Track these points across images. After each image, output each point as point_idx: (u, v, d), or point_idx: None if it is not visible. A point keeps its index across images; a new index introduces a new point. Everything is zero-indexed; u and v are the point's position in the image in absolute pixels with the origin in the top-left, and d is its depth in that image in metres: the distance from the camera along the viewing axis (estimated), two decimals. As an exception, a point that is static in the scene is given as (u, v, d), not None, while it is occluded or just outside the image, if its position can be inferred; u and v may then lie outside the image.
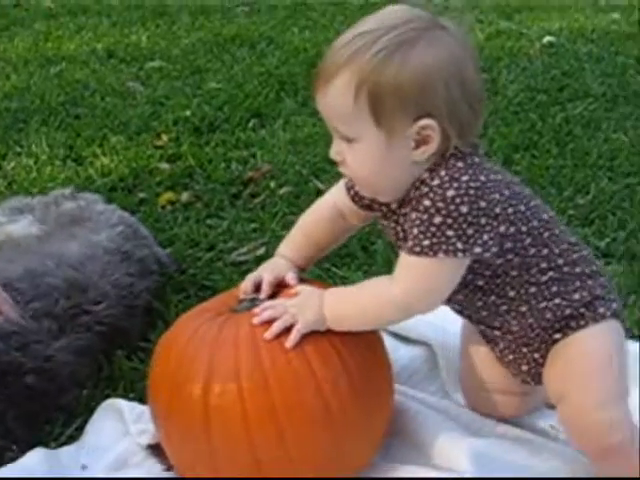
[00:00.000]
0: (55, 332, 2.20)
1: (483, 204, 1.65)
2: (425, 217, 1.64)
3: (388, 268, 2.48)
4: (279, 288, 1.88)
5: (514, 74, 4.59)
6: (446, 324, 2.22)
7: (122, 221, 2.65)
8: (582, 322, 1.78)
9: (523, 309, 1.79)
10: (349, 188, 1.89)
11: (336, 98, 1.66)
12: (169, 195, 3.25)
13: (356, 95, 1.63)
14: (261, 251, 2.80)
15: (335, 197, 1.94)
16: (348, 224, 1.96)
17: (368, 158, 1.68)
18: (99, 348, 2.27)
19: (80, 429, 2.07)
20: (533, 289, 1.78)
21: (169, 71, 4.76)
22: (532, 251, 1.75)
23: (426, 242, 1.65)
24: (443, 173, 1.66)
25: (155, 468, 1.92)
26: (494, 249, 1.69)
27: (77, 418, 2.10)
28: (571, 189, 3.22)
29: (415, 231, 1.66)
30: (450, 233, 1.63)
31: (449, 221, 1.63)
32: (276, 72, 4.62)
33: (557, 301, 1.78)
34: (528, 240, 1.74)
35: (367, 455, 1.86)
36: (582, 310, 1.78)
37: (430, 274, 1.68)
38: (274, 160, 3.53)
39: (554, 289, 1.78)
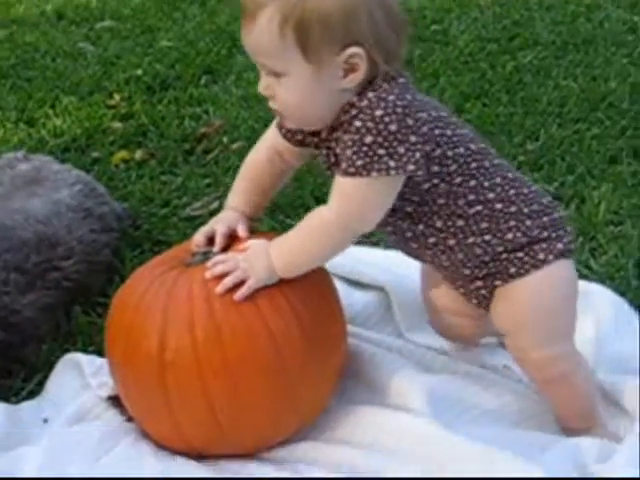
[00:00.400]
0: (23, 287, 2.23)
1: (410, 122, 1.67)
2: (357, 137, 1.66)
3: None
4: (232, 240, 1.90)
5: (465, 24, 4.60)
6: (398, 268, 2.27)
7: (79, 179, 2.67)
8: (522, 270, 1.81)
9: (451, 242, 1.81)
10: (280, 127, 1.90)
11: (261, 35, 1.67)
12: (123, 154, 3.25)
13: (281, 30, 1.64)
14: (215, 205, 2.82)
15: (270, 139, 1.96)
16: (286, 164, 1.97)
17: (298, 91, 1.69)
18: (63, 304, 2.30)
19: (40, 384, 2.10)
20: (460, 222, 1.79)
21: (120, 31, 4.72)
22: (458, 179, 1.77)
23: (359, 162, 1.66)
24: (371, 94, 1.68)
25: (115, 419, 1.95)
26: (424, 169, 1.72)
27: (37, 373, 2.12)
28: (521, 136, 3.26)
29: (348, 152, 1.68)
30: (382, 152, 1.65)
31: (379, 140, 1.65)
32: (228, 28, 4.60)
33: (487, 238, 1.80)
34: (454, 167, 1.76)
35: (322, 400, 1.89)
36: (520, 255, 1.80)
37: (365, 193, 1.70)
38: (227, 116, 3.54)
39: (483, 225, 1.79)
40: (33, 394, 2.08)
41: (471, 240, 1.80)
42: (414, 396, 1.87)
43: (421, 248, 1.85)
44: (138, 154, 3.25)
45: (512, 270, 1.81)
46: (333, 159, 1.78)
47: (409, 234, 1.83)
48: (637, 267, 2.47)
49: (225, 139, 3.34)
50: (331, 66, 1.67)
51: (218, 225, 1.92)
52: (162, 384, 1.76)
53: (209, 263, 1.81)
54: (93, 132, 3.45)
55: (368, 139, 1.65)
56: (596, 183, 2.91)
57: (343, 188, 1.71)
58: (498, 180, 1.80)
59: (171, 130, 3.44)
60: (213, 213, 2.71)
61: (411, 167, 1.67)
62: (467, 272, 1.85)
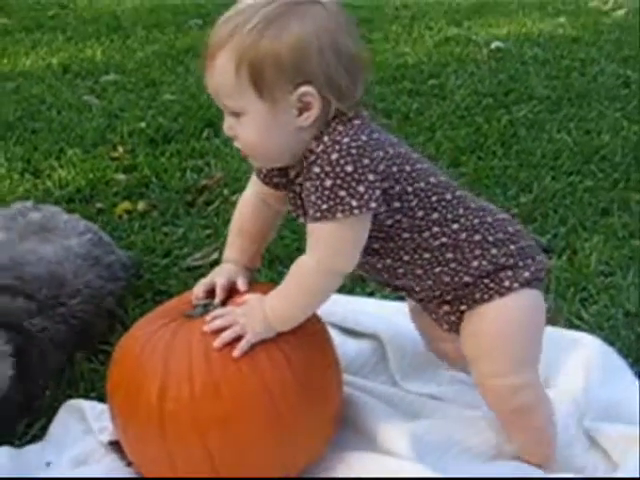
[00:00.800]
0: (34, 312, 2.32)
1: (366, 161, 1.70)
2: (317, 183, 1.70)
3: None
4: (232, 293, 1.93)
5: (462, 79, 4.70)
6: (392, 317, 2.33)
7: (88, 229, 2.74)
8: (486, 296, 1.85)
9: (419, 272, 1.86)
10: (258, 172, 1.95)
11: (219, 75, 1.72)
12: (126, 205, 3.32)
13: (237, 71, 1.69)
14: (215, 256, 2.87)
15: (253, 189, 2.02)
16: (272, 209, 2.02)
17: (255, 129, 1.73)
18: (68, 343, 2.36)
19: (44, 429, 2.14)
20: (426, 254, 1.83)
21: (124, 84, 4.83)
22: (420, 213, 1.80)
23: (324, 206, 1.70)
24: (326, 139, 1.72)
25: (115, 463, 1.98)
26: (385, 206, 1.76)
27: (40, 418, 2.17)
28: (515, 188, 3.33)
29: (312, 198, 1.72)
30: (342, 193, 1.69)
31: (338, 182, 1.69)
32: (229, 83, 4.68)
33: (452, 266, 1.84)
34: (415, 201, 1.79)
35: (318, 449, 1.93)
36: (486, 281, 1.85)
37: (335, 236, 1.73)
38: (227, 168, 3.61)
39: (449, 255, 1.83)
40: (36, 438, 2.12)
41: (438, 269, 1.85)
42: (400, 442, 1.92)
43: (392, 278, 1.90)
44: (141, 205, 3.31)
45: (477, 295, 1.86)
46: (299, 202, 1.83)
47: (379, 266, 1.88)
48: (626, 317, 2.52)
49: (226, 191, 3.41)
50: (285, 104, 1.71)
51: (218, 278, 1.95)
52: (161, 434, 1.80)
53: (208, 317, 1.84)
54: (97, 183, 3.52)
55: (328, 183, 1.69)
56: (588, 235, 2.97)
57: (316, 234, 1.75)
58: (461, 211, 1.83)
59: (173, 182, 3.51)
60: (213, 264, 2.78)
61: (373, 204, 1.71)
62: (437, 294, 1.89)
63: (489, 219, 1.86)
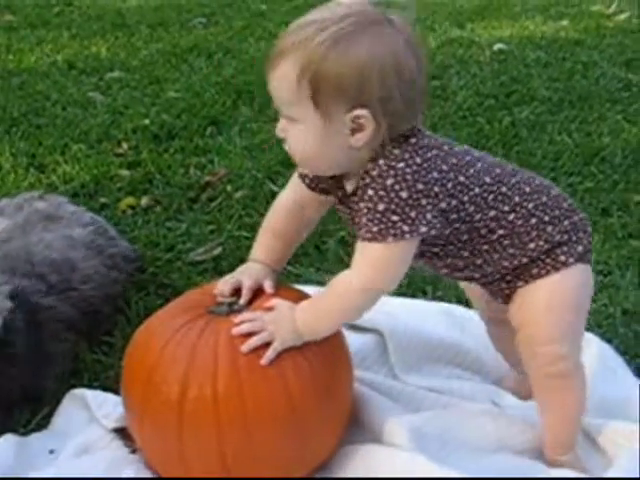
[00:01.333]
0: (44, 292, 2.36)
1: (421, 186, 1.74)
2: (371, 205, 1.74)
3: (339, 265, 2.62)
4: (256, 293, 1.95)
5: (464, 80, 4.72)
6: (395, 312, 2.36)
7: (93, 221, 2.77)
8: (543, 271, 1.89)
9: (479, 262, 1.90)
10: (303, 177, 1.97)
11: (281, 81, 1.75)
12: (129, 200, 3.34)
13: (299, 80, 1.71)
14: (217, 251, 2.91)
15: (292, 192, 2.03)
16: (308, 216, 2.04)
17: (306, 139, 1.76)
18: (79, 325, 2.40)
19: (47, 418, 2.17)
20: (485, 247, 1.88)
21: (128, 81, 4.84)
22: (477, 216, 1.84)
23: (375, 228, 1.74)
24: (381, 162, 1.75)
25: (120, 451, 2.01)
26: (439, 225, 1.78)
27: (44, 407, 2.19)
28: (515, 188, 3.34)
29: (364, 219, 1.75)
30: (395, 218, 1.73)
31: (392, 207, 1.72)
32: (233, 81, 4.72)
33: (511, 251, 1.88)
34: (472, 208, 1.83)
35: (329, 448, 1.95)
36: (543, 257, 1.88)
37: (383, 257, 1.77)
38: (230, 165, 3.63)
39: (506, 242, 1.87)
40: (40, 427, 2.14)
41: (496, 256, 1.89)
42: (399, 434, 1.94)
43: (453, 272, 1.95)
44: (144, 201, 3.34)
45: (534, 271, 1.89)
46: (356, 220, 1.83)
47: (440, 264, 1.93)
48: (625, 315, 2.55)
49: (229, 188, 3.43)
50: (339, 122, 1.73)
51: (244, 277, 1.96)
52: (178, 430, 1.81)
53: (237, 319, 1.85)
54: (101, 179, 3.54)
55: (381, 207, 1.73)
56: (587, 235, 2.99)
57: (364, 253, 1.79)
58: (517, 199, 1.86)
59: (176, 178, 3.53)
60: (216, 258, 2.83)
61: (423, 229, 1.75)
62: (497, 277, 1.93)
63: (544, 199, 1.89)
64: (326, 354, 1.89)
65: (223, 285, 1.96)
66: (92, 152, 3.83)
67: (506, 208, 1.86)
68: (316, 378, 1.85)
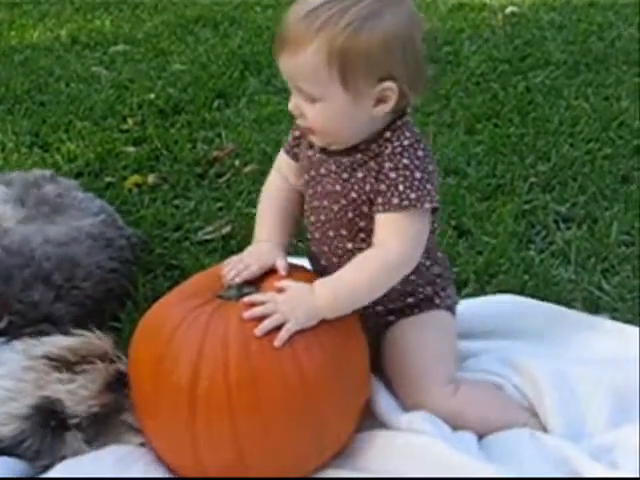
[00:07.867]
0: (52, 298, 2.27)
1: (432, 167, 1.85)
2: (407, 173, 1.81)
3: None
4: (266, 273, 1.90)
5: (476, 45, 4.62)
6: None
7: (103, 210, 2.70)
8: (416, 310, 2.02)
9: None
10: (288, 150, 2.06)
11: (307, 63, 1.76)
12: (136, 178, 3.27)
13: (328, 62, 1.74)
14: (227, 229, 2.84)
15: (276, 170, 2.09)
16: (293, 186, 2.07)
17: (332, 116, 1.80)
18: (83, 321, 2.30)
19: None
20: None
21: (133, 55, 4.77)
22: None
23: (413, 195, 1.80)
24: (409, 134, 1.85)
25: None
26: None
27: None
28: (533, 156, 3.26)
29: (400, 187, 1.81)
30: (429, 186, 1.81)
31: (426, 176, 1.81)
32: (240, 52, 4.64)
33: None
34: None
35: (346, 437, 1.89)
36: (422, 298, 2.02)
37: (417, 225, 1.83)
38: (239, 139, 3.57)
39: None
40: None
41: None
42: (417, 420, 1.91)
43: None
44: (151, 178, 3.27)
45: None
46: (373, 181, 1.86)
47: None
48: (648, 288, 2.46)
49: (237, 162, 3.36)
50: (366, 96, 1.79)
51: (252, 261, 1.91)
52: (191, 418, 1.75)
53: (247, 301, 1.80)
54: (106, 156, 3.47)
55: (418, 175, 1.81)
56: (608, 203, 2.91)
57: (399, 225, 1.82)
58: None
59: (184, 154, 3.46)
60: (225, 237, 2.75)
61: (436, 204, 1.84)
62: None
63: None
64: (340, 337, 1.83)
65: (230, 269, 1.90)
66: (97, 129, 3.76)
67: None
68: (330, 360, 1.80)
